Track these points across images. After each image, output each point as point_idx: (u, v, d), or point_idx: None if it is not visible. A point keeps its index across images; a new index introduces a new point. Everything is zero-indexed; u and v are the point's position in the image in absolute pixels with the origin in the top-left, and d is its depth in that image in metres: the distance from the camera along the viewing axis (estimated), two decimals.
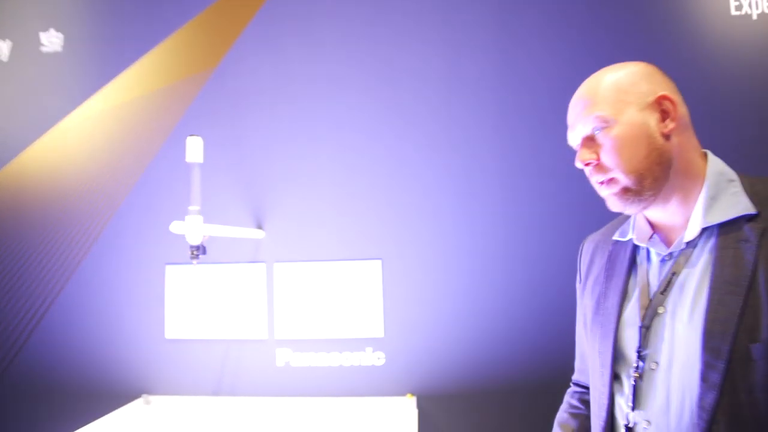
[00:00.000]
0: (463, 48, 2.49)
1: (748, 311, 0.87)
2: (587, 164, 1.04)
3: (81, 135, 2.60)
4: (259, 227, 2.47)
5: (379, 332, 2.40)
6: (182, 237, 2.38)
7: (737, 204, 0.95)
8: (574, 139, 1.08)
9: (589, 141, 1.04)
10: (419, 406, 2.28)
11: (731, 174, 1.00)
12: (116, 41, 2.61)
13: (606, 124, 1.00)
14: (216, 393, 2.45)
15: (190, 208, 2.00)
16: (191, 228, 1.95)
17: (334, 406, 2.31)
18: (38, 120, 2.61)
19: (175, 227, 1.97)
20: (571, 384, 1.36)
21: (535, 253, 2.36)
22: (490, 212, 2.40)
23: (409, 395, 2.34)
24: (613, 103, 1.01)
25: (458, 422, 2.31)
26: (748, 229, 0.92)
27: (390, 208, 2.45)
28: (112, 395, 2.45)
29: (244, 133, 2.52)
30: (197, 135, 2.12)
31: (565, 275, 2.32)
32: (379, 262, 2.43)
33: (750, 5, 2.49)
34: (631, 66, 1.05)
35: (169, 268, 2.51)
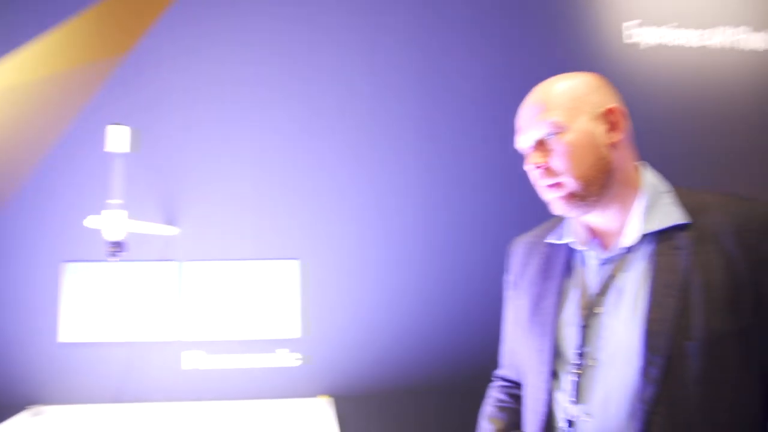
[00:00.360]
0: (383, 48, 2.53)
1: (684, 313, 0.97)
2: (538, 167, 1.09)
3: None
4: (171, 224, 2.35)
5: (295, 333, 2.37)
6: (83, 232, 2.24)
7: (672, 214, 1.04)
8: (524, 141, 1.13)
9: (541, 145, 1.09)
10: (336, 407, 2.28)
11: (663, 186, 1.10)
12: (14, 13, 2.37)
13: (559, 129, 1.06)
14: (117, 400, 2.29)
15: (110, 201, 1.87)
16: (111, 223, 1.81)
17: (247, 409, 2.26)
18: None
19: (91, 222, 1.83)
20: (494, 379, 1.42)
21: (451, 255, 2.45)
22: (407, 214, 2.46)
23: (324, 396, 2.33)
24: (567, 110, 1.07)
25: (373, 422, 2.33)
26: (681, 237, 1.02)
27: (309, 209, 2.43)
28: None
29: (156, 126, 2.39)
30: (110, 124, 1.99)
31: (479, 277, 2.44)
32: (297, 262, 2.40)
33: (639, 35, 2.72)
34: (583, 76, 1.12)
35: (66, 266, 2.32)
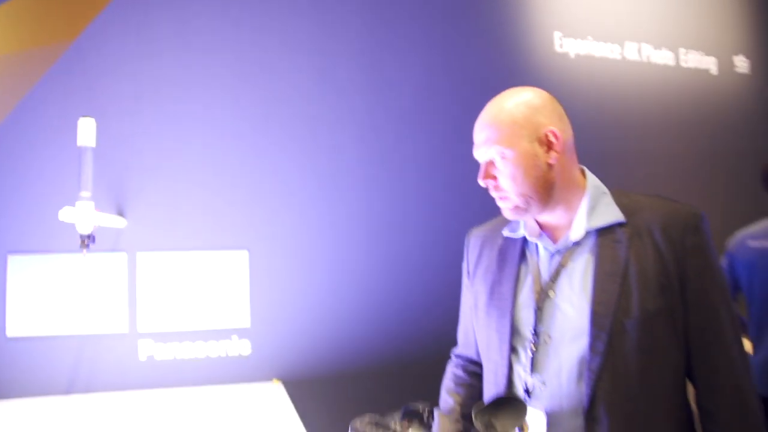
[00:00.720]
0: (331, 47, 2.64)
1: (623, 296, 1.16)
2: (486, 185, 1.26)
3: None
4: (120, 215, 2.36)
5: (245, 322, 2.46)
6: (25, 223, 2.22)
7: (611, 213, 1.23)
8: (478, 157, 1.29)
9: (490, 165, 1.26)
10: (286, 390, 2.38)
11: (603, 187, 1.29)
12: None
13: (503, 155, 1.23)
14: (70, 391, 2.29)
15: (82, 194, 1.88)
16: (83, 215, 1.83)
17: (202, 395, 2.31)
18: None
19: (65, 215, 1.83)
20: (453, 357, 1.58)
21: (394, 245, 2.62)
22: (352, 206, 2.61)
23: (275, 380, 2.43)
24: (509, 136, 1.23)
25: (321, 404, 2.44)
26: (620, 233, 1.21)
27: (257, 200, 2.52)
28: None
29: (105, 116, 2.37)
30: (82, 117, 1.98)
31: (421, 265, 2.61)
32: (246, 252, 2.48)
33: (569, 45, 2.98)
34: (527, 95, 1.27)
35: (11, 258, 2.28)
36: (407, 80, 2.72)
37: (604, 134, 2.89)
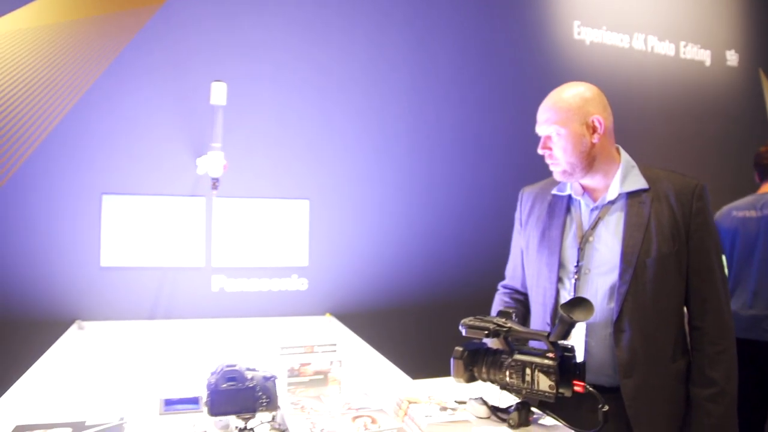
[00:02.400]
0: (384, 27, 3.00)
1: (645, 241, 1.58)
2: (543, 153, 1.67)
3: (2, 48, 2.51)
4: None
5: (304, 262, 2.86)
6: (119, 167, 2.57)
7: (639, 181, 1.65)
8: (539, 132, 1.70)
9: (548, 139, 1.67)
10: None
11: (633, 162, 1.70)
12: None
13: (558, 132, 1.64)
14: (152, 317, 2.67)
15: (213, 145, 2.25)
16: (214, 162, 2.22)
17: (265, 325, 2.71)
18: None
19: (201, 162, 2.23)
20: (501, 287, 2.00)
21: (435, 196, 3.09)
22: (400, 164, 3.03)
23: (327, 314, 2.86)
24: (565, 118, 1.64)
25: (368, 335, 2.87)
26: (644, 196, 1.63)
27: (318, 157, 2.91)
28: (44, 323, 2.51)
29: (187, 76, 2.71)
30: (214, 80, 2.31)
31: (457, 215, 3.05)
32: (307, 201, 2.87)
33: (586, 33, 3.38)
34: (581, 89, 1.68)
35: (106, 198, 2.64)
36: (446, 60, 3.11)
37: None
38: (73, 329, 2.47)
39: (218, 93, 2.41)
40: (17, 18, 2.51)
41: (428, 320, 3.00)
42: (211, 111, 2.54)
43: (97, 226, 2.61)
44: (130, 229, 2.65)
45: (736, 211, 2.94)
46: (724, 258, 2.99)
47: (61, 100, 2.57)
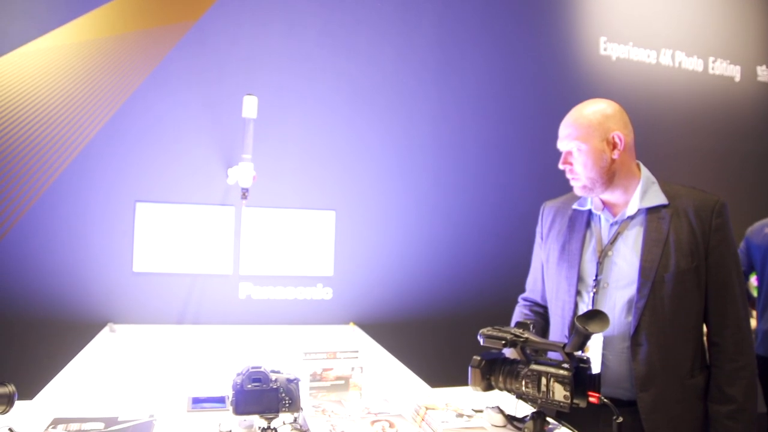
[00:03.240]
0: (411, 42, 3.07)
1: (663, 256, 1.60)
2: (564, 168, 1.70)
3: (44, 63, 2.63)
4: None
5: (329, 272, 2.92)
6: (153, 176, 2.66)
7: (658, 197, 1.67)
8: (560, 147, 1.73)
9: (569, 154, 1.70)
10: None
11: (653, 178, 1.72)
12: None
13: (579, 148, 1.67)
14: (180, 322, 2.76)
15: (244, 156, 2.35)
16: (245, 173, 2.31)
17: (289, 332, 2.77)
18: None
19: (232, 173, 2.33)
20: (521, 300, 2.03)
21: (458, 210, 3.12)
22: (425, 177, 3.08)
23: (351, 323, 2.91)
24: (585, 135, 1.67)
25: (389, 344, 2.91)
26: (664, 212, 1.65)
27: (345, 169, 2.98)
28: (78, 324, 2.60)
29: (216, 90, 2.81)
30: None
31: (480, 230, 3.08)
32: (334, 212, 2.94)
33: (612, 49, 3.39)
34: (602, 105, 1.71)
35: (139, 206, 2.74)
36: (472, 74, 3.16)
37: (636, 131, 3.32)
38: (105, 331, 2.55)
39: (250, 106, 2.50)
40: (60, 35, 2.64)
41: (450, 331, 3.02)
42: (242, 123, 2.63)
43: (130, 232, 2.71)
44: (162, 236, 2.74)
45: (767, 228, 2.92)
46: (754, 276, 2.99)
47: (99, 112, 2.69)
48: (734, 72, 3.79)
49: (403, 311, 3.00)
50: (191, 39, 2.79)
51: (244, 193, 2.44)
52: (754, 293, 3.05)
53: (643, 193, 1.69)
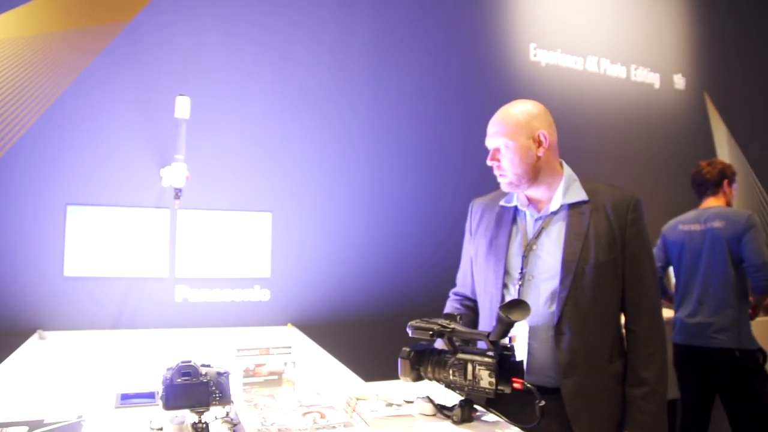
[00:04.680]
0: (346, 44, 3.11)
1: (584, 249, 1.69)
2: (492, 164, 1.78)
3: None
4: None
5: (266, 273, 2.92)
6: (83, 178, 2.61)
7: (579, 193, 1.77)
8: (489, 144, 1.80)
9: (497, 151, 1.78)
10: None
11: (574, 176, 1.82)
12: None
13: (506, 145, 1.75)
14: (115, 327, 2.69)
15: (176, 156, 2.31)
16: (177, 173, 2.27)
17: (227, 335, 2.75)
18: None
19: (165, 173, 2.30)
20: (452, 294, 2.09)
21: (394, 211, 3.18)
22: (359, 179, 3.13)
23: (289, 324, 2.92)
24: (513, 132, 1.75)
25: (327, 344, 2.93)
26: (584, 207, 1.75)
27: (281, 171, 2.99)
28: (5, 332, 2.51)
29: (152, 91, 2.77)
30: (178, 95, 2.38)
31: (415, 229, 3.15)
32: (270, 214, 2.95)
33: (542, 55, 3.54)
34: (528, 105, 1.79)
35: (70, 209, 2.66)
36: (406, 79, 3.23)
37: (563, 132, 3.48)
38: (34, 338, 2.47)
39: (182, 106, 2.49)
40: None
41: (388, 328, 3.06)
42: (176, 124, 2.60)
43: (61, 236, 2.64)
44: (95, 239, 2.68)
45: (682, 225, 3.10)
46: (671, 269, 3.17)
47: (27, 111, 2.61)
48: (654, 79, 4.02)
49: (340, 311, 3.03)
50: (124, 39, 2.74)
51: (177, 193, 2.42)
52: (672, 288, 3.24)
53: (566, 189, 1.78)
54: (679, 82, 4.14)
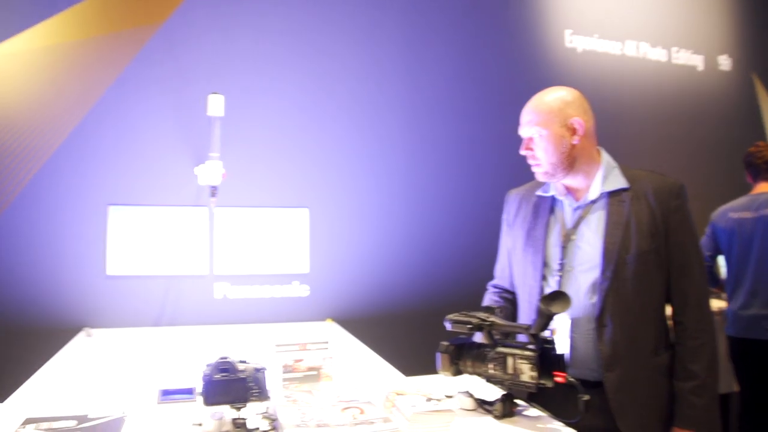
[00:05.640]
0: (381, 40, 3.09)
1: (625, 238, 1.64)
2: (526, 154, 1.74)
3: (13, 67, 2.61)
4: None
5: (305, 269, 2.93)
6: (124, 179, 2.65)
7: (619, 181, 1.71)
8: (522, 133, 1.77)
9: (530, 140, 1.74)
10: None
11: (614, 163, 1.77)
12: None
13: (539, 134, 1.71)
14: (156, 324, 2.75)
15: (211, 154, 2.35)
16: (213, 171, 2.31)
17: (267, 331, 2.77)
18: None
19: (199, 171, 2.32)
20: (490, 287, 2.05)
21: (431, 205, 3.15)
22: (397, 173, 3.12)
23: (329, 320, 2.92)
24: (546, 120, 1.70)
25: (367, 339, 2.93)
26: (624, 195, 1.69)
27: (318, 167, 3.01)
28: (53, 330, 2.58)
29: (187, 91, 2.80)
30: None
31: (452, 223, 3.11)
32: (307, 210, 2.96)
33: (578, 41, 3.45)
34: (562, 92, 1.74)
35: (111, 209, 2.73)
36: (440, 70, 3.19)
37: (602, 119, 3.39)
38: (80, 336, 2.54)
39: (215, 105, 2.51)
40: (25, 39, 2.62)
41: (426, 322, 3.04)
42: (211, 122, 2.63)
43: (103, 235, 2.70)
44: (136, 238, 2.73)
45: (732, 212, 2.98)
46: (721, 258, 3.05)
47: (69, 116, 2.68)
48: (697, 61, 3.88)
49: (379, 306, 3.02)
50: (159, 41, 2.78)
51: (213, 191, 2.45)
52: (722, 277, 3.13)
53: (605, 177, 1.73)
54: (725, 63, 3.98)
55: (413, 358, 2.45)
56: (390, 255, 3.06)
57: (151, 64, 2.77)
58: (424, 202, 3.15)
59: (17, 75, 2.61)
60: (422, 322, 3.04)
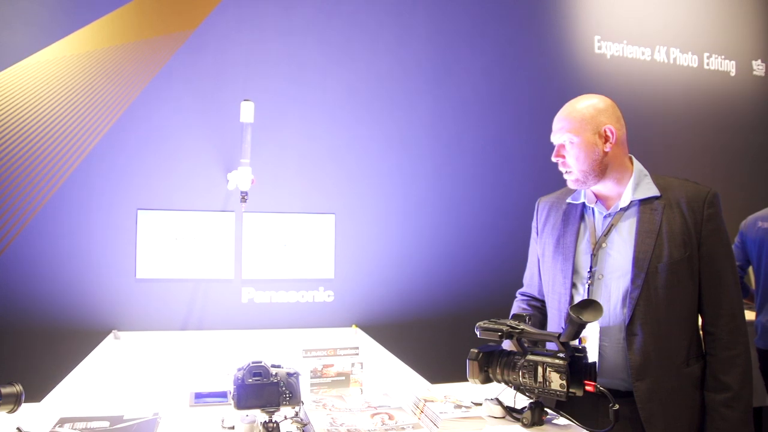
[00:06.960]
0: (407, 46, 3.10)
1: (657, 247, 1.62)
2: (557, 161, 1.73)
3: (47, 75, 2.67)
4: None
5: (330, 274, 2.95)
6: (153, 184, 2.69)
7: (650, 189, 1.70)
8: (553, 140, 1.76)
9: (561, 147, 1.73)
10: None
11: (645, 171, 1.75)
12: None
13: (571, 141, 1.70)
14: (184, 328, 2.78)
15: (242, 160, 2.38)
16: (243, 177, 2.34)
17: (292, 336, 2.79)
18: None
19: (231, 176, 2.37)
20: (519, 295, 2.05)
21: (457, 211, 3.14)
22: (423, 180, 3.11)
23: (354, 326, 2.93)
24: (578, 128, 1.70)
25: (392, 345, 2.93)
26: (656, 203, 1.67)
27: (344, 173, 3.01)
28: (83, 332, 2.64)
29: (217, 97, 2.85)
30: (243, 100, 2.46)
31: (478, 231, 3.10)
32: (333, 216, 2.97)
33: (606, 47, 3.43)
34: (595, 100, 1.73)
35: (141, 213, 2.77)
36: (468, 77, 3.19)
37: (631, 125, 3.36)
38: (109, 338, 2.59)
39: (247, 111, 2.55)
40: (60, 47, 2.69)
41: (452, 329, 3.05)
42: (241, 129, 2.66)
43: (133, 239, 2.74)
44: (164, 242, 2.77)
45: (762, 221, 2.92)
46: (751, 269, 2.99)
47: (100, 121, 2.73)
48: (729, 67, 3.82)
49: (405, 312, 3.02)
50: (189, 47, 2.83)
51: (243, 196, 2.48)
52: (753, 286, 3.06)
53: (636, 185, 1.71)
54: (759, 68, 3.91)
55: (438, 366, 2.45)
56: (415, 262, 3.07)
57: (182, 71, 2.81)
58: (451, 209, 3.14)
59: (53, 81, 2.67)
60: (447, 330, 3.04)
